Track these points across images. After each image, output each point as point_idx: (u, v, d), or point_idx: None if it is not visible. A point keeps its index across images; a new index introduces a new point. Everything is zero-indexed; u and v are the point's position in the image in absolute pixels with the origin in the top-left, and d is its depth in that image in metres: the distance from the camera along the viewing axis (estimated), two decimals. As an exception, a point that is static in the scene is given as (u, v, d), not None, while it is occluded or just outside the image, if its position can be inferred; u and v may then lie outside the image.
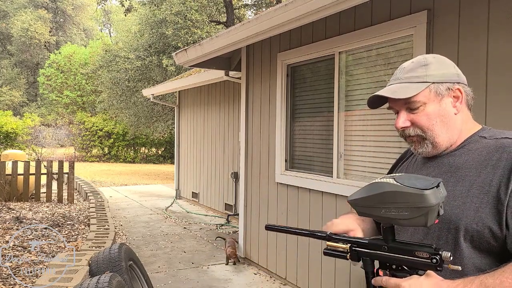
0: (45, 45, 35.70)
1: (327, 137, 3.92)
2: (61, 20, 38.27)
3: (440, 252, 0.99)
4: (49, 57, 30.14)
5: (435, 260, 0.98)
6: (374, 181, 1.06)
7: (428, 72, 1.19)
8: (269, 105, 4.69)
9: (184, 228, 6.95)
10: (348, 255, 1.12)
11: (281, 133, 4.48)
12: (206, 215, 8.01)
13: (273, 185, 4.62)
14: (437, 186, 0.99)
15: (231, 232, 6.68)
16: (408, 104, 1.21)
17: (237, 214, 6.63)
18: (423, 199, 0.96)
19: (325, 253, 1.16)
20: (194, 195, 9.22)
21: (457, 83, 1.20)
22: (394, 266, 1.06)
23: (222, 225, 7.16)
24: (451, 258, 0.99)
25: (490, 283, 0.97)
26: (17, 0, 34.98)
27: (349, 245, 1.12)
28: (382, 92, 1.22)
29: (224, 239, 5.49)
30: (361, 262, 1.11)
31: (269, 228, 1.31)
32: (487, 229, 1.05)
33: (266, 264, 4.73)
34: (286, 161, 4.48)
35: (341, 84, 3.71)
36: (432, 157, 1.24)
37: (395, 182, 1.00)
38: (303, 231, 1.23)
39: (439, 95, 1.18)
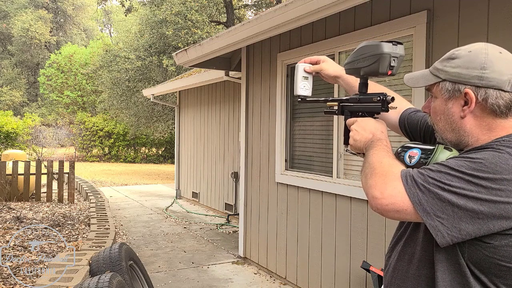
0: (46, 45, 35.72)
1: (327, 137, 3.92)
2: (62, 20, 38.26)
3: (385, 94, 1.27)
4: (50, 57, 30.15)
5: (379, 98, 1.27)
6: None
7: (446, 67, 1.12)
8: (269, 105, 4.70)
9: (184, 227, 6.95)
10: (337, 111, 1.45)
11: (281, 133, 4.48)
12: (206, 215, 8.01)
13: (273, 185, 4.63)
14: (395, 44, 1.24)
15: (231, 232, 6.69)
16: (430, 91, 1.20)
17: (237, 214, 6.63)
18: (378, 47, 1.23)
19: (325, 112, 1.52)
20: (194, 195, 9.23)
21: (475, 86, 1.07)
22: (360, 114, 1.35)
23: (222, 224, 7.17)
24: (392, 100, 1.28)
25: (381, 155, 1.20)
26: (18, 0, 34.99)
27: (338, 103, 1.45)
28: (405, 77, 1.25)
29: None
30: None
31: None
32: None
33: (266, 264, 4.74)
34: (286, 161, 4.48)
35: (341, 84, 3.71)
36: None
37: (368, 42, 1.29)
38: None
39: (445, 93, 1.13)
